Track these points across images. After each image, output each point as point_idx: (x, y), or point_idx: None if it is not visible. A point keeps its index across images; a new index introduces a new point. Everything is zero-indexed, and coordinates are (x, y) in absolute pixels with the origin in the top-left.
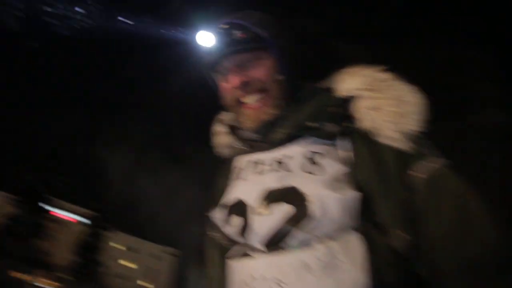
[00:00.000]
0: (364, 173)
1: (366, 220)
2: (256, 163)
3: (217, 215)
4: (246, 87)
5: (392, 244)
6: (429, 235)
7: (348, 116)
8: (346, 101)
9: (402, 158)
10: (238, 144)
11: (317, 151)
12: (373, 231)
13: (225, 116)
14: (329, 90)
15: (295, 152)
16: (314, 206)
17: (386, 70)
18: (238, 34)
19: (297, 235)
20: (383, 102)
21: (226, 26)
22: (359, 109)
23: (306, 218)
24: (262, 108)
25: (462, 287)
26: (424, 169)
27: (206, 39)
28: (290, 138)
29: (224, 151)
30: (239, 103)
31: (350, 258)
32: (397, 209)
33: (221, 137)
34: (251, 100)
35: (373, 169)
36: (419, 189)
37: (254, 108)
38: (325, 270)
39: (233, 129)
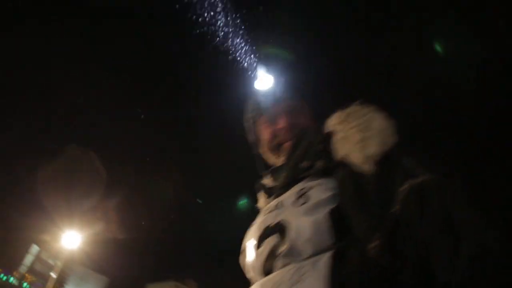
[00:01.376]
0: (344, 197)
1: (343, 237)
2: (266, 209)
3: (241, 263)
4: (292, 129)
5: (368, 256)
6: (412, 245)
7: (330, 150)
8: (328, 137)
9: (377, 178)
10: (266, 198)
11: (309, 186)
12: (348, 246)
13: (264, 179)
14: (317, 130)
15: (292, 191)
16: (291, 232)
17: (363, 103)
18: (285, 88)
19: (281, 260)
20: (350, 131)
21: (282, 76)
22: (334, 141)
23: (286, 244)
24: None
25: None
26: (406, 184)
27: (264, 83)
28: (293, 181)
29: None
30: (279, 145)
31: (316, 275)
32: (374, 221)
33: (260, 201)
34: (289, 140)
35: (351, 191)
36: (400, 201)
37: (288, 148)
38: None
39: (262, 186)
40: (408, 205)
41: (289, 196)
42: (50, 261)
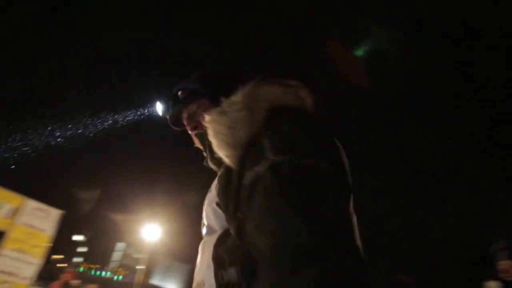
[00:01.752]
0: (218, 192)
1: (227, 222)
2: (209, 190)
3: None
4: (197, 130)
5: (234, 237)
6: (247, 233)
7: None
8: None
9: (232, 173)
10: None
11: (221, 173)
12: (227, 228)
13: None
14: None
15: (217, 176)
16: (206, 215)
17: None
18: (180, 94)
19: (205, 235)
20: (210, 134)
21: (171, 93)
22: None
23: (206, 224)
24: None
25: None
26: (248, 176)
27: (160, 107)
28: (218, 166)
29: None
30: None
31: (209, 249)
32: (232, 212)
33: None
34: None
35: (222, 188)
36: (242, 195)
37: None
38: (201, 255)
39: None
40: (242, 203)
41: (215, 182)
42: (136, 255)
